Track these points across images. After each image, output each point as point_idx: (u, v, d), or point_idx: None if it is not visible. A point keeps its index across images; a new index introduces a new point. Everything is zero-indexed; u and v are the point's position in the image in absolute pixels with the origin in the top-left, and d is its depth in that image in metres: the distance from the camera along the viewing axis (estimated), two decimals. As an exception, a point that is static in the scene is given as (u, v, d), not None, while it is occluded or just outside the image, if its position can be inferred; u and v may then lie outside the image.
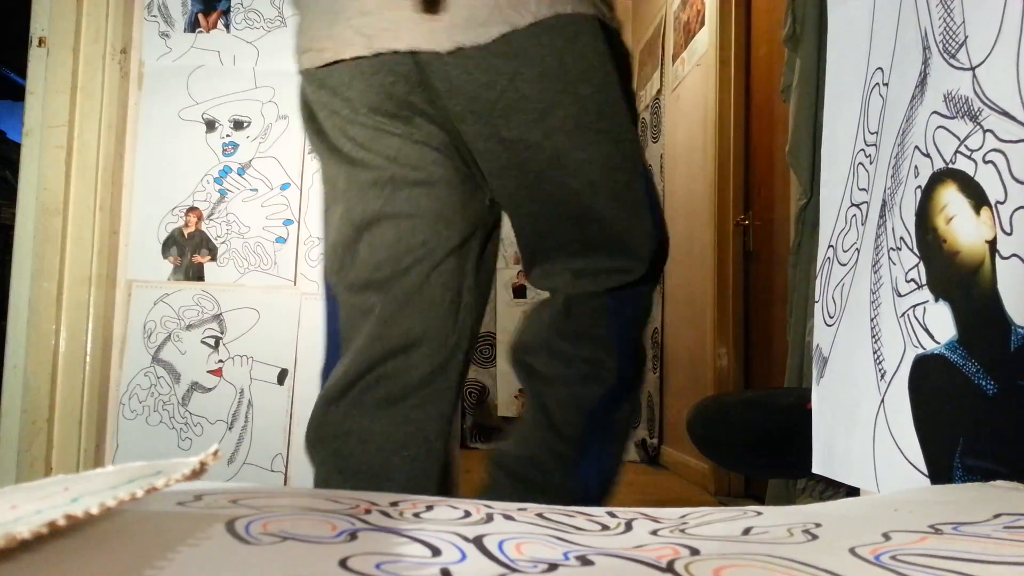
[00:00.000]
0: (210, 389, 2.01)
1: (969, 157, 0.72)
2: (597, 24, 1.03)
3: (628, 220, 1.08)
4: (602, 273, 1.09)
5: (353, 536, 0.38)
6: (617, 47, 1.07)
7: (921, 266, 0.78)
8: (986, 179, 0.70)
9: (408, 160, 1.03)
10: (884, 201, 0.86)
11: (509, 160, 1.03)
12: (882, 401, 0.83)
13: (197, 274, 2.04)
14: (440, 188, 1.04)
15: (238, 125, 2.08)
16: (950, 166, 0.74)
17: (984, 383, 0.68)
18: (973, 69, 0.72)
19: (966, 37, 0.73)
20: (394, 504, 0.46)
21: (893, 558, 0.41)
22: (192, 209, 2.05)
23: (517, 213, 1.10)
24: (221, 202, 2.06)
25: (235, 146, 2.07)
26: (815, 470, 1.01)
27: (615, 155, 1.06)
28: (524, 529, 0.43)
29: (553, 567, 0.36)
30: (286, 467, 1.99)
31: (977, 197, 0.71)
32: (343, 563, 0.34)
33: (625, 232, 1.08)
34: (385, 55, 0.98)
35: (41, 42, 1.91)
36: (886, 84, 0.89)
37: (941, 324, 0.75)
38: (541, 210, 1.07)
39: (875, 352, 0.85)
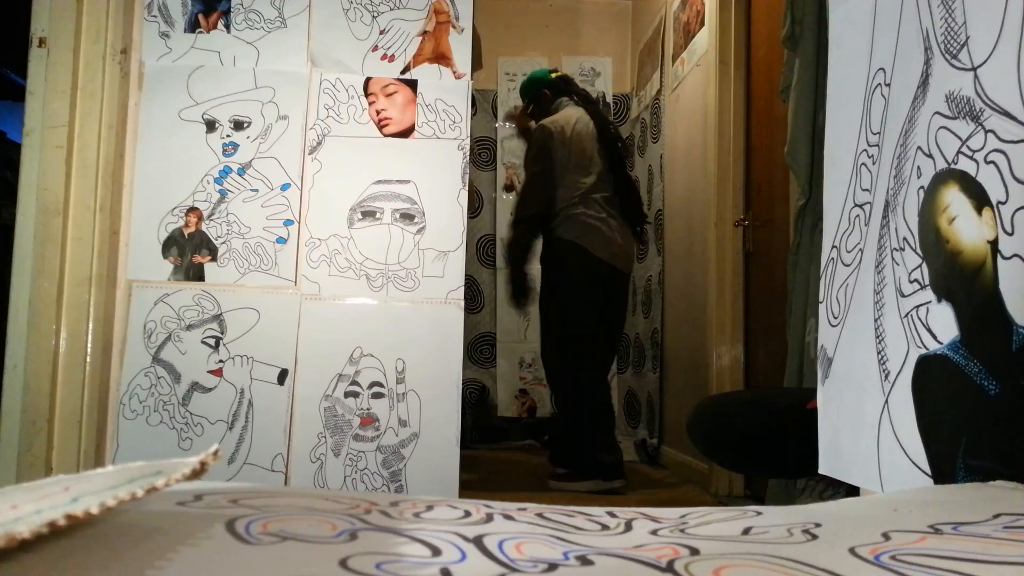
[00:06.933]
0: (210, 389, 2.00)
1: (971, 157, 0.72)
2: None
3: None
4: None
5: (353, 536, 0.38)
6: None
7: (924, 266, 0.78)
8: (988, 179, 0.70)
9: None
10: (887, 201, 0.86)
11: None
12: (886, 402, 0.83)
13: (197, 274, 2.04)
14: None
15: (238, 125, 2.07)
16: (952, 166, 0.74)
17: (986, 383, 0.68)
18: (975, 69, 0.72)
19: (968, 38, 0.73)
20: (394, 504, 0.46)
21: (893, 558, 0.41)
22: (192, 209, 2.05)
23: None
24: (221, 202, 2.05)
25: (235, 146, 2.07)
26: (822, 471, 1.01)
27: None
28: (524, 529, 0.43)
29: (553, 567, 0.36)
30: (286, 467, 1.99)
31: (979, 197, 0.71)
32: (343, 563, 0.34)
33: None
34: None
35: (41, 42, 1.91)
36: (888, 84, 0.89)
37: (944, 324, 0.75)
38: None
39: (879, 352, 0.85)
